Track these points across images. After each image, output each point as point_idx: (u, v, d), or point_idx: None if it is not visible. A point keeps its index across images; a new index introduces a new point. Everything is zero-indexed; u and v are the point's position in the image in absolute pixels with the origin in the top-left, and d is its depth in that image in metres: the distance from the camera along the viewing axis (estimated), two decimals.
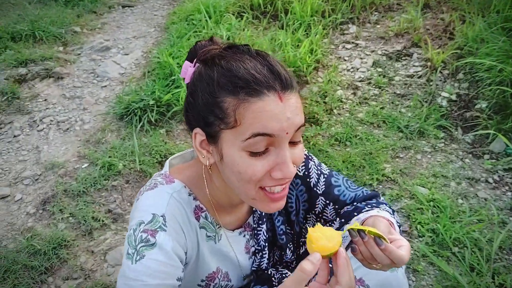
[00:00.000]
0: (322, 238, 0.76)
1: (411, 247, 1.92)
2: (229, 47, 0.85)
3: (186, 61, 0.90)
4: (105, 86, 2.88)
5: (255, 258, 1.08)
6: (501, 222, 2.04)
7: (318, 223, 0.95)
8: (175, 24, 3.48)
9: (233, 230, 1.04)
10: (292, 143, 0.83)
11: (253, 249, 1.07)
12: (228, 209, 1.01)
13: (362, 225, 0.93)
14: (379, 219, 0.93)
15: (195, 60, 0.88)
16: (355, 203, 1.11)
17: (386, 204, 1.11)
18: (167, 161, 1.03)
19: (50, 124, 2.56)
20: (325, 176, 1.12)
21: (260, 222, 1.06)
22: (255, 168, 0.80)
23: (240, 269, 1.07)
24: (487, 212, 2.08)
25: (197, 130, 0.85)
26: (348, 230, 0.84)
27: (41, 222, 1.94)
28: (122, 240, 1.90)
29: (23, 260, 1.73)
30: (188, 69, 0.88)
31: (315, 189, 1.11)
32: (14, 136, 2.49)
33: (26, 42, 3.21)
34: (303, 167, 1.09)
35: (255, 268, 1.09)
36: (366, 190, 1.15)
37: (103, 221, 1.94)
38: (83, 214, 1.94)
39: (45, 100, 2.77)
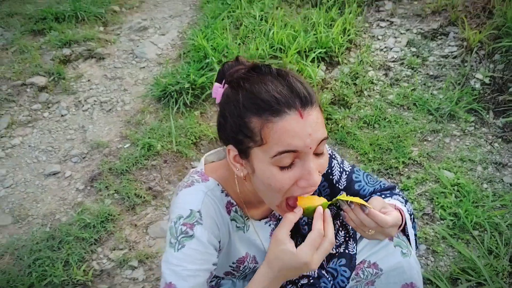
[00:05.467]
0: (306, 199, 0.96)
1: (432, 229, 2.00)
2: (253, 68, 0.94)
3: (215, 82, 1.01)
4: (143, 67, 3.03)
5: None
6: None
7: None
8: (209, 3, 3.55)
9: (260, 220, 1.17)
10: (317, 154, 0.93)
11: None
12: (256, 204, 1.13)
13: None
14: (376, 198, 1.08)
15: (223, 81, 0.98)
16: (372, 195, 1.22)
17: (399, 195, 1.22)
18: (203, 157, 1.15)
19: (94, 104, 2.74)
20: (347, 172, 1.23)
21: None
22: (284, 181, 0.90)
23: (266, 253, 1.21)
24: (511, 198, 2.11)
25: (230, 146, 0.96)
26: (338, 200, 1.01)
27: (89, 198, 2.14)
28: (162, 215, 2.08)
29: (75, 232, 1.95)
30: (218, 90, 0.99)
31: (337, 185, 1.22)
32: (62, 116, 2.69)
33: (69, 23, 3.38)
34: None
35: None
36: (384, 184, 1.25)
37: (144, 197, 2.13)
38: (127, 191, 2.13)
39: (89, 80, 2.95)
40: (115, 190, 2.15)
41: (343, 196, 1.01)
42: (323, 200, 0.97)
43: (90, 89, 2.87)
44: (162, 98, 2.63)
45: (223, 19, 3.19)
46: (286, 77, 0.91)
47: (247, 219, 1.14)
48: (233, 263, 1.16)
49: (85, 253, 1.90)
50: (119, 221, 2.03)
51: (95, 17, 3.47)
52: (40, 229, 2.01)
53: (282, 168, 0.90)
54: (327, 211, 0.97)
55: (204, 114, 2.59)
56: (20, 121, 2.64)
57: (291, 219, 0.95)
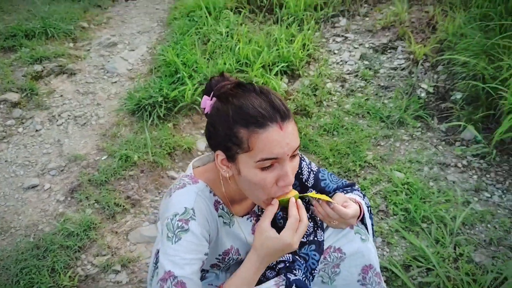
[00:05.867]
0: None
1: (386, 223, 2.25)
2: (238, 85, 1.13)
3: (204, 95, 1.19)
4: (115, 82, 3.16)
5: None
6: (466, 201, 2.36)
7: None
8: (176, 20, 3.73)
9: (242, 216, 1.36)
10: (292, 156, 1.13)
11: None
12: (239, 201, 1.32)
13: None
14: (339, 194, 1.31)
15: (211, 94, 1.17)
16: (336, 191, 1.44)
17: (358, 191, 1.45)
18: (190, 163, 1.33)
19: (68, 119, 2.85)
20: (314, 172, 1.44)
21: (263, 210, 1.38)
22: (266, 180, 1.10)
23: (248, 246, 1.39)
24: (454, 193, 2.40)
25: (218, 152, 1.14)
26: (309, 197, 1.24)
27: (70, 208, 2.26)
28: (141, 222, 2.23)
29: (59, 241, 2.06)
30: (207, 102, 1.17)
31: (306, 183, 1.43)
32: (36, 130, 2.78)
33: (39, 39, 3.46)
34: None
35: None
36: (345, 181, 1.48)
37: (123, 206, 2.27)
38: (106, 201, 2.26)
39: (61, 95, 3.05)
40: (95, 200, 2.27)
41: (313, 194, 1.23)
42: (295, 192, 1.18)
43: (63, 104, 2.97)
44: (136, 112, 2.78)
45: (191, 35, 3.37)
46: (268, 95, 1.10)
47: (232, 215, 1.32)
48: (219, 255, 1.34)
49: (70, 260, 2.01)
50: (100, 229, 2.16)
51: (64, 33, 3.57)
52: (24, 239, 2.11)
53: (263, 169, 1.09)
54: (299, 200, 1.17)
55: (177, 126, 2.76)
56: None
57: (271, 210, 1.15)
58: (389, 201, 2.36)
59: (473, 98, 2.89)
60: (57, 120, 2.84)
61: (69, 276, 1.95)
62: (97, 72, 3.27)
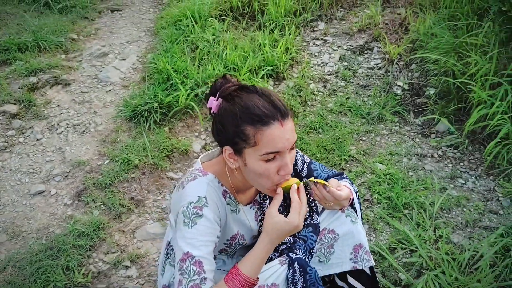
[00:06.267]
0: (284, 182, 1.33)
1: (372, 211, 2.47)
2: (242, 88, 1.30)
3: (210, 96, 1.36)
4: (109, 90, 3.30)
5: (261, 224, 1.59)
6: (443, 188, 2.59)
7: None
8: (164, 29, 3.88)
9: (246, 205, 1.54)
10: (290, 149, 1.31)
11: (260, 217, 1.58)
12: (244, 191, 1.50)
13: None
14: (333, 180, 1.50)
15: (217, 95, 1.33)
16: (327, 180, 1.63)
17: (347, 179, 1.64)
18: (198, 159, 1.49)
19: (67, 127, 2.98)
20: (307, 163, 1.63)
21: (264, 198, 1.56)
22: (269, 170, 1.28)
23: (252, 232, 1.57)
24: (431, 181, 2.62)
25: (226, 147, 1.32)
26: (308, 181, 1.44)
27: (78, 211, 2.40)
28: (145, 220, 2.39)
29: (71, 241, 2.20)
30: (213, 102, 1.33)
31: (300, 173, 1.62)
32: (37, 140, 2.91)
33: (32, 52, 3.57)
34: None
35: (261, 231, 1.60)
36: (335, 171, 1.68)
37: (128, 206, 2.42)
38: (112, 202, 2.41)
39: (58, 105, 3.17)
40: (101, 202, 2.42)
41: (311, 179, 1.42)
42: (296, 180, 1.37)
43: (61, 113, 3.10)
44: (133, 118, 2.94)
45: (179, 44, 3.54)
46: (270, 96, 1.27)
47: (238, 203, 1.49)
48: (227, 240, 1.51)
49: (82, 258, 2.16)
50: (108, 229, 2.31)
51: (55, 45, 3.69)
52: (37, 242, 2.24)
53: (267, 161, 1.28)
54: (301, 185, 1.36)
55: (173, 130, 2.93)
56: None
57: (278, 198, 1.34)
58: (373, 191, 2.57)
59: (445, 93, 3.14)
60: (57, 129, 2.97)
61: (83, 274, 2.09)
62: (91, 82, 3.40)
